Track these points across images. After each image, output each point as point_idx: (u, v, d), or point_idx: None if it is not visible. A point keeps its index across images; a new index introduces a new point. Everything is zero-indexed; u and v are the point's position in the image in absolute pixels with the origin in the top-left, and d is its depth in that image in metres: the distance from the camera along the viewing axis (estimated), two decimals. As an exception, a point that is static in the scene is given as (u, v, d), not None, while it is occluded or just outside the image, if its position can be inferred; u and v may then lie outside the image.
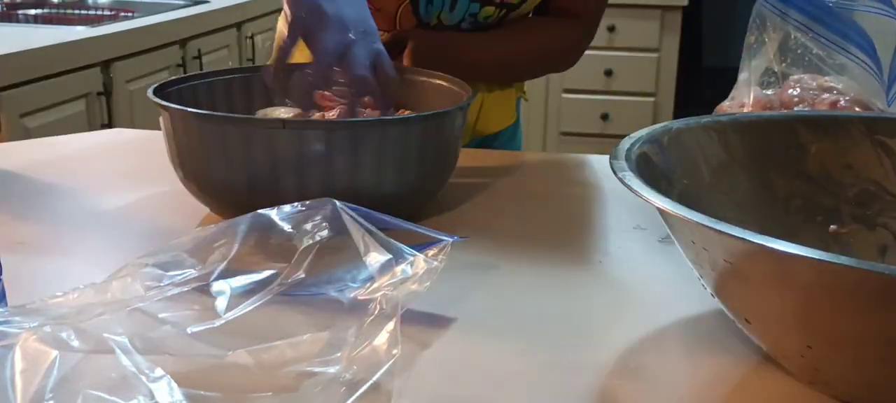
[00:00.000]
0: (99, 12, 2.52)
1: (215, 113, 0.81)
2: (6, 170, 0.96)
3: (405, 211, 0.77)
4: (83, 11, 2.52)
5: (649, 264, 0.74)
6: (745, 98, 0.89)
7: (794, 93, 0.86)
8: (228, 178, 0.76)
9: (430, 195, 0.85)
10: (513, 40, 1.07)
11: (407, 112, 0.88)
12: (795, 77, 0.88)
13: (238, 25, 2.78)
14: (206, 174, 0.78)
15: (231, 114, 0.84)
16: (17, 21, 2.33)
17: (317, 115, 0.83)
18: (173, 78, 0.89)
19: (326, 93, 0.83)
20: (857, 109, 0.83)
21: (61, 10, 2.55)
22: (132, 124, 2.16)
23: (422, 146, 0.78)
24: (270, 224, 0.61)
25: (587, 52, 1.15)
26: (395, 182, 0.77)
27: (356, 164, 0.74)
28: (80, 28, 2.17)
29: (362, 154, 0.75)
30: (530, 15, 1.11)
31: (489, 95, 1.13)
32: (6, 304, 0.59)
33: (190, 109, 0.77)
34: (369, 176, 0.76)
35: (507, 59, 1.08)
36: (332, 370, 0.51)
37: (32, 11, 2.45)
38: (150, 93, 0.81)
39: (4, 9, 2.48)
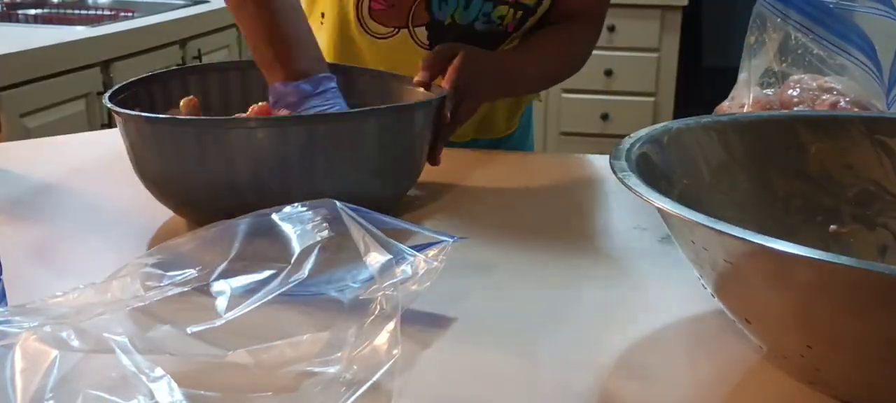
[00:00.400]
0: (99, 12, 2.52)
1: (167, 116, 0.80)
2: (6, 169, 0.96)
3: (377, 207, 0.78)
4: (83, 11, 2.52)
5: (649, 264, 0.74)
6: (744, 98, 0.89)
7: (794, 93, 0.86)
8: (186, 183, 0.76)
9: (398, 190, 0.84)
10: (548, 51, 1.07)
11: None
12: (795, 77, 0.88)
13: (238, 25, 2.77)
14: (165, 179, 0.77)
15: (180, 117, 0.83)
16: (17, 21, 2.33)
17: None
18: (132, 79, 0.87)
19: None
20: (856, 111, 0.83)
21: (61, 10, 2.55)
22: (132, 124, 2.15)
23: (382, 141, 0.77)
24: (270, 224, 0.61)
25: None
26: (357, 178, 0.77)
27: (312, 162, 0.74)
28: (80, 28, 2.17)
29: (319, 151, 0.74)
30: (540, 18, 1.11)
31: (495, 104, 1.13)
32: (6, 304, 0.59)
33: (145, 114, 0.76)
34: (327, 173, 0.75)
35: (544, 70, 1.08)
36: (332, 370, 0.51)
37: (32, 11, 2.45)
38: (105, 99, 0.80)
39: (4, 9, 2.48)
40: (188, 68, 0.94)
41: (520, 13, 1.04)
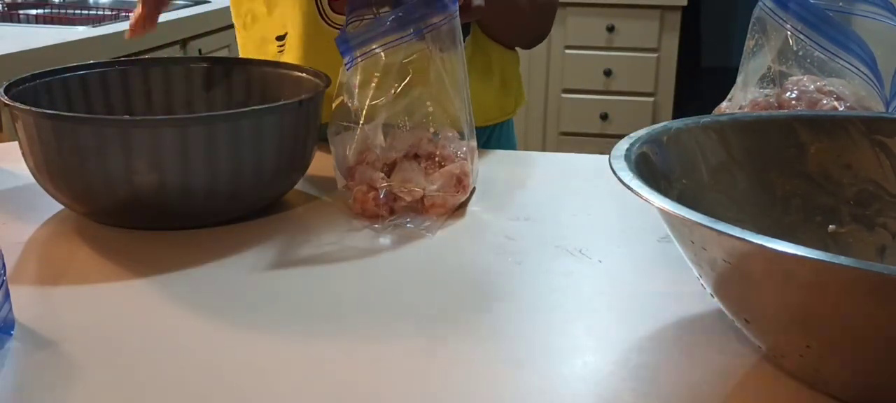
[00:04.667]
0: (100, 12, 2.52)
1: (65, 113, 0.79)
2: (6, 169, 0.97)
3: (261, 202, 0.83)
4: (84, 11, 2.52)
5: (649, 264, 0.75)
6: (742, 100, 0.90)
7: (792, 95, 0.87)
8: (84, 178, 0.75)
9: (287, 183, 0.85)
10: None
11: None
12: (794, 78, 0.88)
13: (238, 25, 2.78)
14: (63, 175, 0.76)
15: (80, 115, 0.84)
16: (18, 21, 2.33)
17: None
18: (23, 76, 0.86)
19: None
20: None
21: (62, 10, 2.55)
22: (132, 124, 2.16)
23: (278, 135, 0.79)
24: None
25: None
26: (252, 173, 0.78)
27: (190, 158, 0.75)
28: (81, 28, 2.17)
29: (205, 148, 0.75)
30: None
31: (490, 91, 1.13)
32: (10, 304, 0.59)
33: (42, 110, 0.76)
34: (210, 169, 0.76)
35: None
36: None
37: (33, 11, 2.44)
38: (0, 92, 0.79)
39: (5, 9, 2.48)
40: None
41: None
